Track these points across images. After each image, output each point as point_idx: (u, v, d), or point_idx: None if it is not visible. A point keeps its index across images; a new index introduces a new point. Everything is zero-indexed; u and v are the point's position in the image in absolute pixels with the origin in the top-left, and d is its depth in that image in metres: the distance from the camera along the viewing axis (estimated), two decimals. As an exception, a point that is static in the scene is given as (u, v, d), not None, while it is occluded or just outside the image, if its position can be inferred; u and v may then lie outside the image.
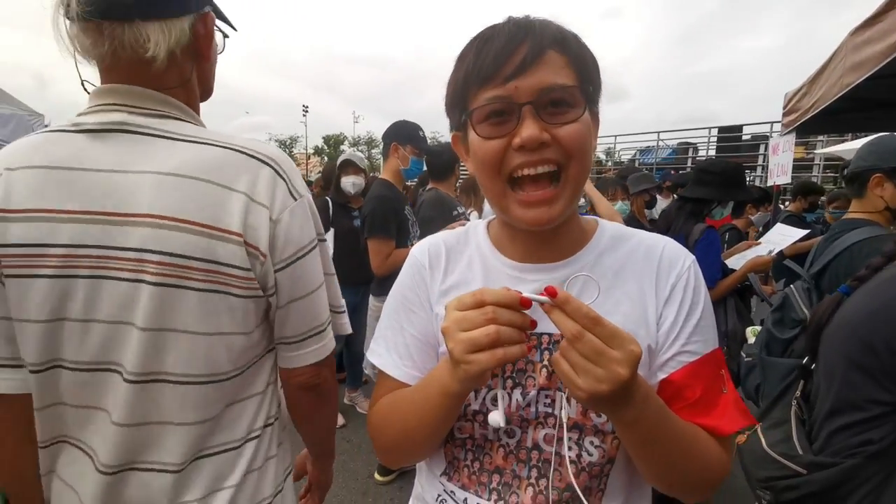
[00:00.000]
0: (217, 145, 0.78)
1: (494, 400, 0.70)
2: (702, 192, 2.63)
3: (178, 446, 0.78)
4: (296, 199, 0.81)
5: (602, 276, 0.70)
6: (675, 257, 0.73)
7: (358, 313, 3.28)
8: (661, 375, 0.69)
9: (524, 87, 0.61)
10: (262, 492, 0.85)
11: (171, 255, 0.72)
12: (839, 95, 2.85)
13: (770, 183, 4.98)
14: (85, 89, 0.81)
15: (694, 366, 0.67)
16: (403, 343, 0.77)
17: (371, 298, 2.87)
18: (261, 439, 0.86)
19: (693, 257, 0.74)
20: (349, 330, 1.01)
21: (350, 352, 3.68)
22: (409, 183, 3.88)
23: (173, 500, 0.79)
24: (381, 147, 2.86)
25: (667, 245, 0.74)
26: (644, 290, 0.70)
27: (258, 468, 0.85)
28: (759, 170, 11.46)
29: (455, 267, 0.78)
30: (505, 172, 0.64)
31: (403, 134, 2.65)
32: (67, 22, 0.74)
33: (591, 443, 0.68)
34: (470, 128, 0.66)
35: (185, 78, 0.84)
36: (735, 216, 3.17)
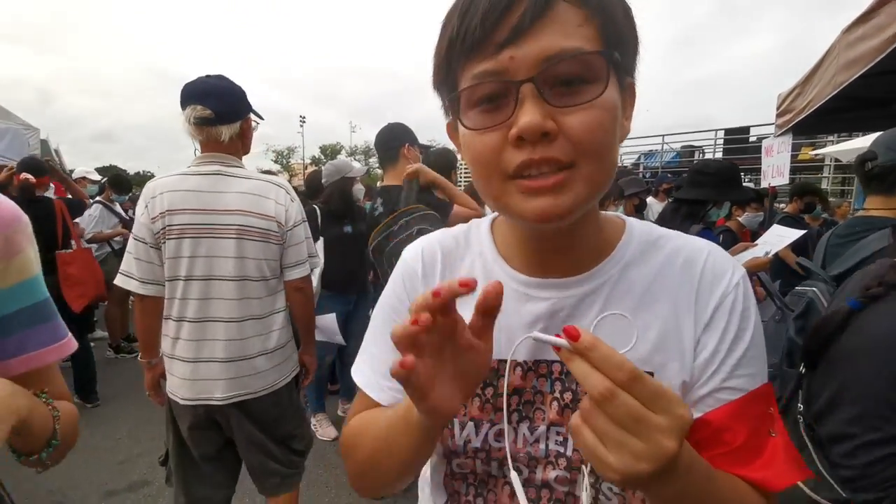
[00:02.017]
0: (260, 179, 1.76)
1: (499, 436, 0.61)
2: (696, 193, 2.59)
3: (258, 308, 1.73)
4: (293, 201, 1.81)
5: (628, 294, 0.58)
6: (720, 271, 0.58)
7: (350, 323, 3.22)
8: (696, 414, 0.55)
9: (523, 57, 0.46)
10: (288, 334, 1.86)
11: (246, 226, 1.67)
12: (833, 94, 2.81)
13: (764, 185, 4.94)
14: (195, 153, 1.84)
15: (738, 405, 0.54)
16: (389, 362, 0.68)
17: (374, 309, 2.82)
18: (285, 313, 1.85)
19: (743, 272, 0.60)
20: (319, 264, 2.01)
21: (343, 363, 3.60)
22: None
23: (261, 332, 1.74)
24: (377, 157, 2.67)
25: (710, 254, 0.60)
26: (679, 313, 0.57)
27: (286, 326, 1.85)
28: (767, 172, 11.45)
29: (453, 276, 0.65)
30: (503, 172, 0.50)
31: (408, 136, 2.50)
32: (188, 125, 1.67)
33: (610, 489, 0.58)
34: (458, 115, 0.53)
35: (238, 148, 1.79)
36: (724, 218, 3.12)
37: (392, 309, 0.69)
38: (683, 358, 0.56)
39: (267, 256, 1.73)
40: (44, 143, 7.10)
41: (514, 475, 0.50)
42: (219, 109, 1.66)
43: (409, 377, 0.43)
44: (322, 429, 3.46)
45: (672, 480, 0.43)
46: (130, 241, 1.67)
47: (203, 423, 1.77)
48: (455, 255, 0.68)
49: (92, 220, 4.87)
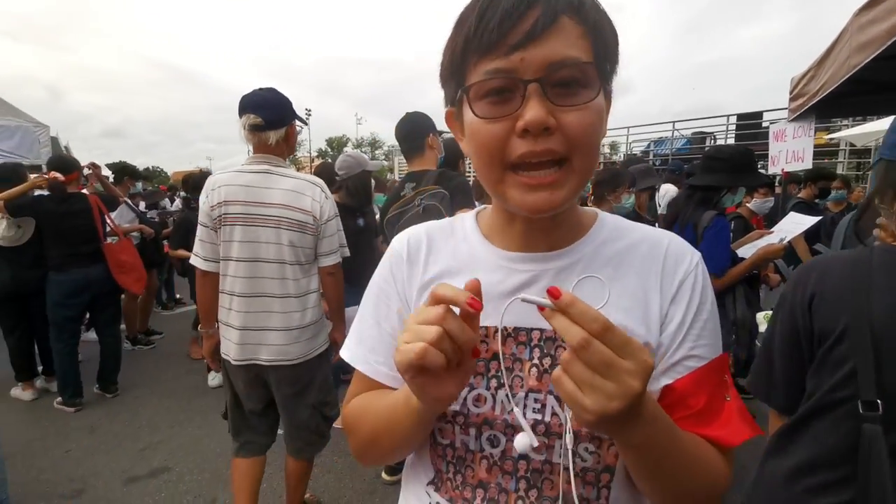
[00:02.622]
0: (300, 178, 2.07)
1: (477, 400, 0.64)
2: (710, 179, 2.58)
3: (294, 289, 2.06)
4: (328, 199, 2.11)
5: (601, 269, 0.65)
6: (681, 253, 0.67)
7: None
8: (665, 381, 0.62)
9: (531, 59, 0.52)
10: (320, 312, 2.20)
11: (285, 218, 2.01)
12: (846, 77, 2.78)
13: (774, 170, 4.88)
14: (248, 153, 2.15)
15: (700, 372, 0.62)
16: (378, 337, 0.72)
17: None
18: (318, 294, 2.18)
19: (699, 254, 0.68)
20: (347, 254, 2.28)
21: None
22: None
23: (297, 308, 2.07)
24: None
25: (672, 240, 0.68)
26: (647, 286, 0.64)
27: (319, 305, 2.18)
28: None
29: (437, 258, 0.72)
30: (506, 161, 0.56)
31: (432, 126, 2.51)
32: (244, 131, 2.03)
33: (586, 449, 0.62)
34: (466, 105, 0.58)
35: (283, 151, 2.12)
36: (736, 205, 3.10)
37: (380, 289, 0.75)
38: (649, 326, 0.63)
39: (302, 245, 2.06)
40: (54, 141, 7.15)
41: (516, 410, 0.59)
42: (268, 118, 2.01)
43: (420, 368, 0.49)
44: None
45: (640, 425, 0.49)
46: (198, 227, 2.07)
47: (253, 381, 2.15)
48: (440, 238, 0.74)
49: (109, 214, 4.98)
